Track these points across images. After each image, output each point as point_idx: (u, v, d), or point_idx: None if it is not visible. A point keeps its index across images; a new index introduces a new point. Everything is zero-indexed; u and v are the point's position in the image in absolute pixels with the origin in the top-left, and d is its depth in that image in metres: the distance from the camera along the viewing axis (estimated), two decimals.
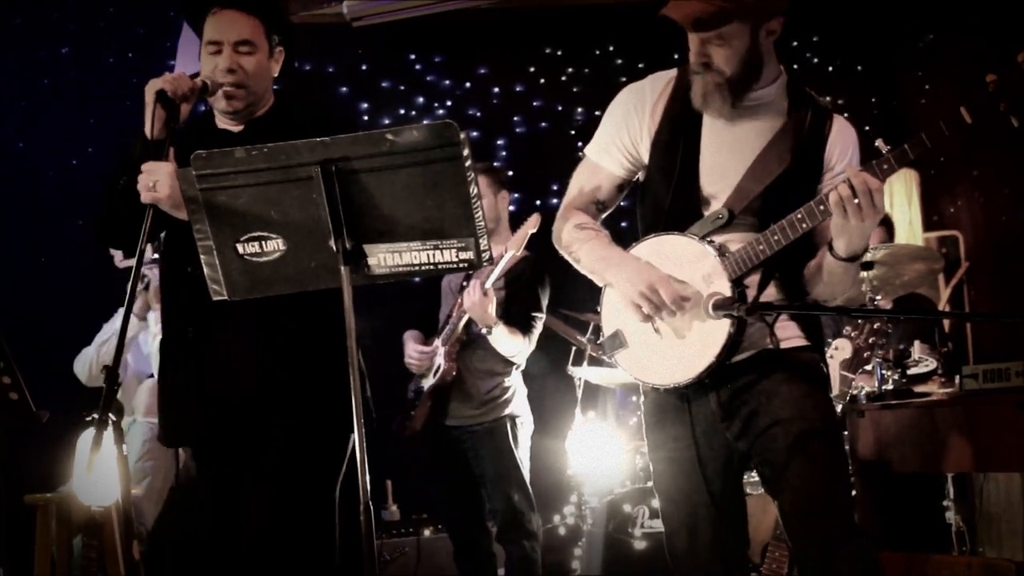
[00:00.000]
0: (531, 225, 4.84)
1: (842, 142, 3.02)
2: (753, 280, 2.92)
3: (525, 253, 4.92)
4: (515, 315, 4.98)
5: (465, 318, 4.93)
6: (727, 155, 2.99)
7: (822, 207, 2.81)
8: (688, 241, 2.97)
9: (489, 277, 4.82)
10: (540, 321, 5.06)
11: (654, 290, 2.89)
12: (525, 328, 4.98)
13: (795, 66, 3.10)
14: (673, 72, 3.13)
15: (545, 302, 5.10)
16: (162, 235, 3.33)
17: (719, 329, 2.87)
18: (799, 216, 2.84)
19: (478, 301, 4.77)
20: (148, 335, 5.21)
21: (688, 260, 2.94)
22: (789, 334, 2.97)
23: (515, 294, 5.03)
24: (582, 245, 3.10)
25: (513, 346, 4.93)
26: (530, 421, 5.18)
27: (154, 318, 4.93)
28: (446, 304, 5.12)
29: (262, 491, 3.16)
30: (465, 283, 4.95)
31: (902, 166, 2.78)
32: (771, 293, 2.96)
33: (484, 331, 4.86)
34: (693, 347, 2.92)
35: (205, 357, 3.20)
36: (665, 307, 2.88)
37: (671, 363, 2.97)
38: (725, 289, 2.88)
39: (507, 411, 5.03)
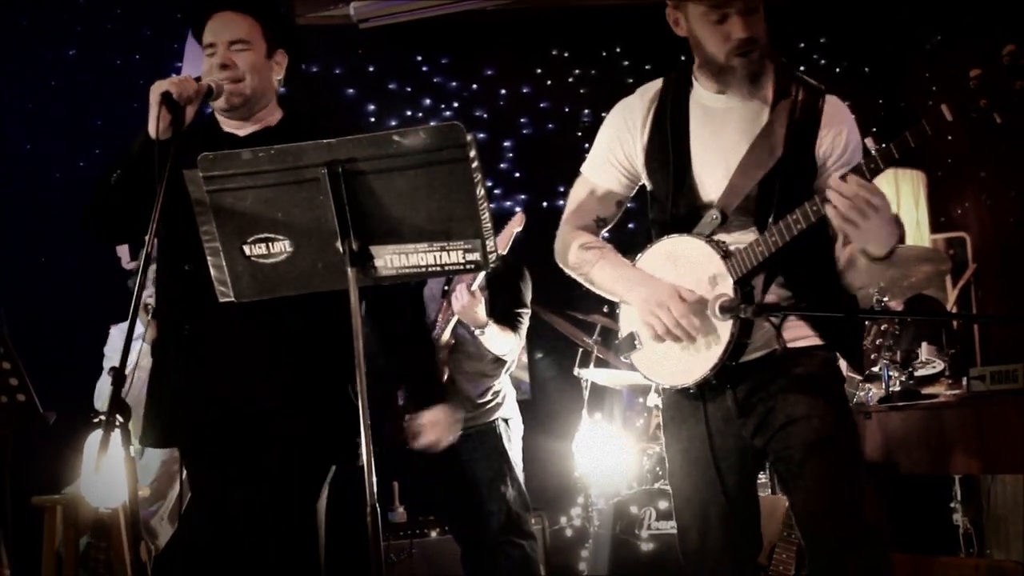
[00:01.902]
0: (516, 224, 4.85)
1: (835, 126, 3.00)
2: (758, 280, 2.93)
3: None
4: (500, 314, 4.99)
5: (453, 321, 4.94)
6: (716, 156, 3.01)
7: (814, 208, 2.80)
8: (697, 242, 2.98)
9: (476, 279, 4.83)
10: (526, 316, 5.09)
11: (665, 308, 2.91)
12: (513, 325, 5.00)
13: (802, 68, 3.09)
14: (659, 83, 3.16)
15: (528, 297, 5.12)
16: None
17: (723, 331, 2.89)
18: (794, 217, 2.84)
19: (467, 303, 4.78)
20: None
21: (697, 262, 2.97)
22: (803, 333, 2.98)
23: (497, 293, 5.05)
24: (592, 267, 3.13)
25: (505, 344, 4.95)
26: (520, 423, 5.20)
27: None
28: (430, 310, 5.12)
29: (256, 490, 3.15)
30: (447, 287, 4.96)
31: (889, 165, 2.74)
32: (780, 293, 2.97)
33: (477, 332, 4.88)
34: (700, 349, 2.94)
35: (200, 355, 3.20)
36: (676, 327, 2.90)
37: (680, 364, 2.99)
38: (729, 290, 2.89)
39: (498, 414, 5.06)
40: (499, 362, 5.06)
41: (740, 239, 2.96)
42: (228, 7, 3.26)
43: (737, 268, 2.90)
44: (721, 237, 2.98)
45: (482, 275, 4.83)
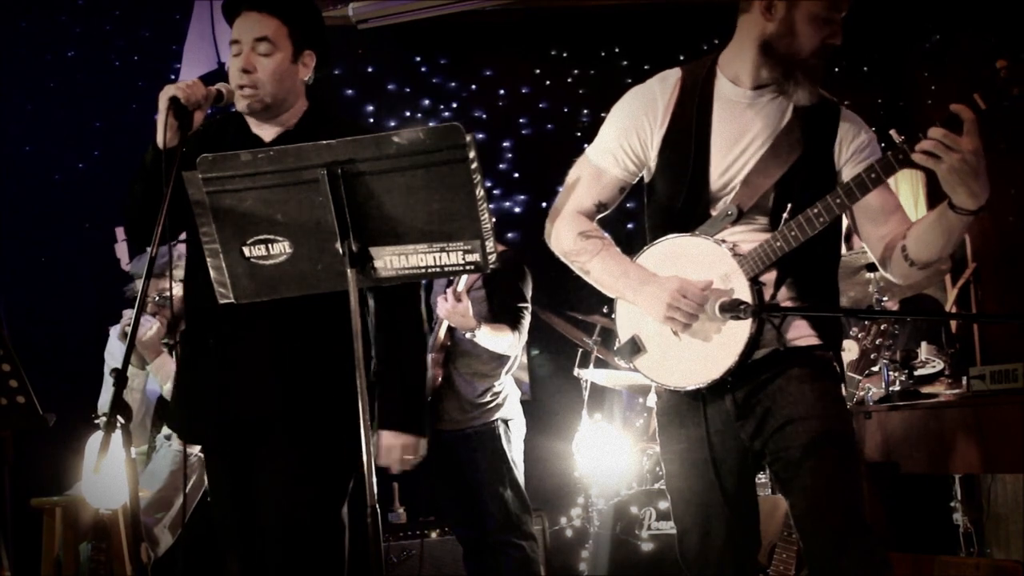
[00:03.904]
0: None
1: (851, 128, 3.03)
2: (769, 278, 2.93)
3: (501, 247, 4.94)
4: (500, 311, 4.98)
5: (444, 325, 4.94)
6: (737, 153, 3.00)
7: (838, 200, 2.83)
8: (702, 242, 2.97)
9: (459, 282, 4.82)
10: (527, 311, 5.06)
11: (681, 297, 2.89)
12: (513, 322, 4.98)
13: None
14: (678, 72, 3.13)
15: (528, 291, 5.10)
16: (182, 236, 3.35)
17: (740, 329, 2.88)
18: (815, 211, 2.84)
19: (452, 308, 4.78)
20: (150, 383, 5.13)
21: (705, 262, 2.94)
22: (803, 333, 2.98)
23: (496, 290, 5.04)
24: (591, 258, 3.09)
25: (502, 342, 4.93)
26: (522, 424, 5.19)
27: (156, 364, 4.91)
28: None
29: (277, 493, 3.16)
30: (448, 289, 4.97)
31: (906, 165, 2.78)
32: (785, 292, 2.96)
33: (468, 335, 4.87)
34: (714, 348, 2.92)
35: (224, 360, 3.21)
36: (698, 310, 2.89)
37: (692, 365, 2.96)
38: (744, 288, 2.89)
39: (498, 415, 5.05)
40: (499, 361, 5.05)
41: (749, 236, 2.96)
42: (256, 7, 3.23)
43: (753, 265, 2.90)
44: (729, 233, 2.97)
45: (465, 278, 4.83)
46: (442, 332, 4.99)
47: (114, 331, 5.12)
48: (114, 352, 5.08)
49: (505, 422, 5.07)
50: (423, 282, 3.42)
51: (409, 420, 3.27)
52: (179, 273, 3.59)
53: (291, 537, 3.13)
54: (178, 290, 4.87)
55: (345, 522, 3.25)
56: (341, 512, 3.24)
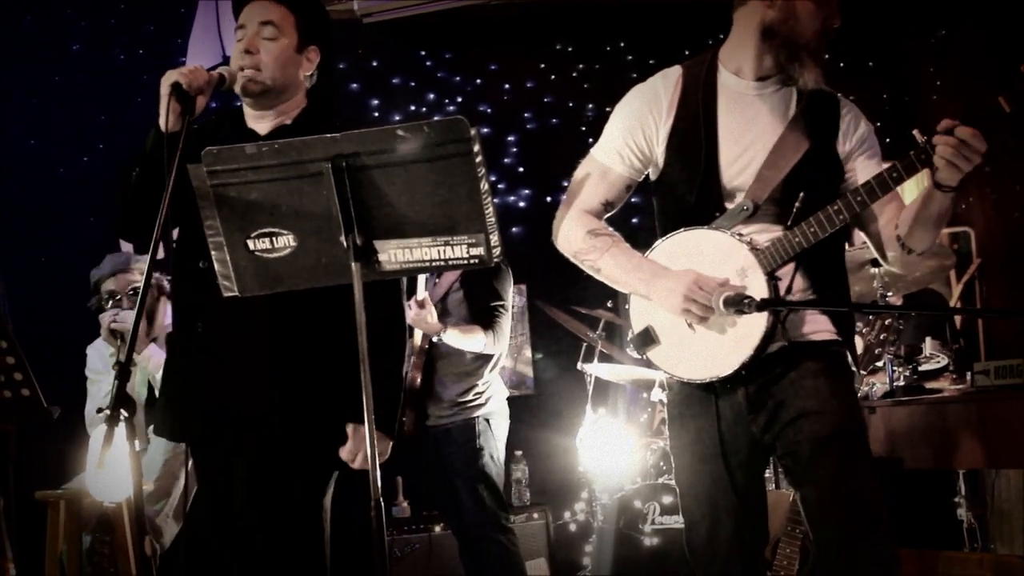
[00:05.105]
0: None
1: (854, 122, 3.05)
2: (785, 272, 2.93)
3: None
4: (476, 311, 5.00)
5: (419, 331, 4.95)
6: (746, 146, 3.00)
7: (859, 198, 2.84)
8: (718, 235, 2.96)
9: (419, 289, 4.84)
10: (503, 309, 5.06)
11: (697, 289, 2.88)
12: (487, 322, 4.99)
13: None
14: (679, 68, 3.13)
15: (505, 290, 5.10)
16: (175, 231, 3.33)
17: (756, 322, 2.87)
18: (835, 208, 2.85)
19: (417, 315, 4.80)
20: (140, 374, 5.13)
21: (721, 255, 2.94)
22: (819, 327, 2.98)
23: (472, 291, 5.05)
24: (602, 255, 3.08)
25: (475, 343, 4.94)
26: (505, 422, 5.20)
27: (143, 356, 4.91)
28: None
29: (260, 490, 3.15)
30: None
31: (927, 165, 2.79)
32: (800, 285, 2.96)
33: (435, 339, 4.89)
34: (729, 340, 2.92)
35: (213, 353, 3.20)
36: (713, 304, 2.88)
37: (707, 357, 2.96)
38: (760, 282, 2.88)
39: (480, 413, 5.06)
40: (482, 360, 5.07)
41: (762, 231, 2.96)
42: None
43: (771, 260, 2.89)
44: (743, 228, 2.97)
45: (423, 282, 4.84)
46: (418, 337, 5.01)
47: (91, 348, 5.13)
48: (97, 368, 5.08)
49: (487, 420, 5.08)
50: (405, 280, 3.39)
51: (384, 419, 3.25)
52: (141, 266, 3.57)
53: (271, 534, 3.12)
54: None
55: (326, 519, 3.24)
56: (318, 509, 3.23)
